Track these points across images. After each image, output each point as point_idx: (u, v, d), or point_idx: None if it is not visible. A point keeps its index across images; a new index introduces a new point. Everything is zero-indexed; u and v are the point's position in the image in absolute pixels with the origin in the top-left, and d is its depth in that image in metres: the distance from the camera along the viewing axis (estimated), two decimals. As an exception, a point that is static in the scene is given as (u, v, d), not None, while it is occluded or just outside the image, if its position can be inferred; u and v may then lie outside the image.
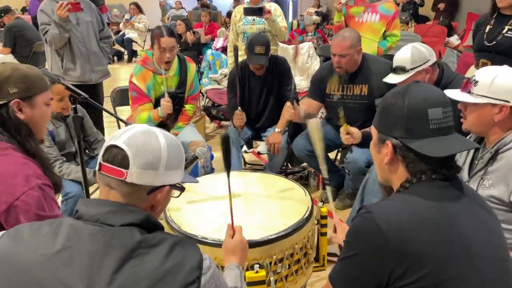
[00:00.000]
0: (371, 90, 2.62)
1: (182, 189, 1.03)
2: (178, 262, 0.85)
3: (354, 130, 2.44)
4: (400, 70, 2.10)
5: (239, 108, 2.88)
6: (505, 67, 1.50)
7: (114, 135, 0.95)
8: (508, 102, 1.44)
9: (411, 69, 2.08)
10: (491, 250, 0.96)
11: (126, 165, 0.90)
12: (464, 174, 1.61)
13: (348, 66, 2.59)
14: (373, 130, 1.12)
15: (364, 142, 2.44)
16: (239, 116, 2.87)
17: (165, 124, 2.64)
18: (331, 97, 2.78)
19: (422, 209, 0.94)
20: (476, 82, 1.48)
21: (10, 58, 5.68)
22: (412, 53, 2.08)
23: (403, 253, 0.90)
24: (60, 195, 2.33)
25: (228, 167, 1.36)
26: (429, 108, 0.99)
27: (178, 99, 2.82)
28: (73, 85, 2.00)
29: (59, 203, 2.42)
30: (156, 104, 2.74)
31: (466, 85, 1.52)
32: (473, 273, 0.92)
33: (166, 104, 2.58)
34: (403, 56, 2.11)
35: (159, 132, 0.96)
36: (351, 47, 2.52)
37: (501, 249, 1.00)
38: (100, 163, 0.93)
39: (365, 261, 0.95)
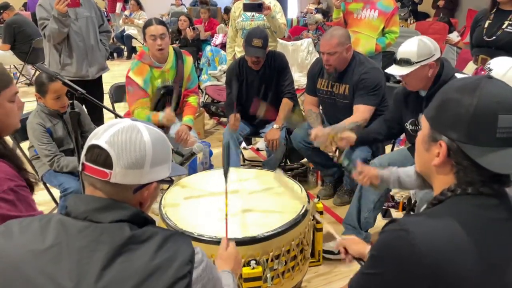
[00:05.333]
0: (350, 92, 2.63)
1: (170, 182, 1.01)
2: (168, 256, 0.84)
3: (349, 134, 2.38)
4: (405, 62, 2.04)
5: (235, 112, 2.88)
6: None
7: (96, 132, 0.91)
8: None
9: (416, 62, 2.01)
10: None
11: (109, 165, 0.87)
12: None
13: (337, 64, 2.58)
14: (424, 121, 0.97)
15: (361, 143, 2.44)
16: (234, 121, 2.86)
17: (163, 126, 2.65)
18: (321, 92, 2.79)
19: (463, 235, 0.85)
20: (491, 70, 1.47)
21: (9, 54, 5.68)
22: (418, 46, 2.02)
23: (437, 277, 0.84)
24: (59, 190, 2.34)
25: (226, 174, 1.31)
26: (500, 114, 0.85)
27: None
28: (70, 80, 2.00)
29: (58, 199, 2.44)
30: (153, 98, 2.75)
31: (479, 72, 1.51)
32: None
33: (170, 117, 2.64)
34: (409, 48, 2.04)
35: (143, 127, 0.92)
36: (339, 45, 2.51)
37: None
38: (83, 163, 0.90)
39: (393, 281, 0.89)
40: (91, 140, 0.90)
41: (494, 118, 0.85)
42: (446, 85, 0.96)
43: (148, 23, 2.66)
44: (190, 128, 2.76)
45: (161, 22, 2.68)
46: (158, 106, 2.80)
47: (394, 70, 2.10)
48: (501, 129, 0.85)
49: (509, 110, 0.86)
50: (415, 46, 2.03)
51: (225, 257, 1.29)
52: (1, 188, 1.19)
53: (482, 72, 1.50)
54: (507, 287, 0.87)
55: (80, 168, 0.92)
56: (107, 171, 0.87)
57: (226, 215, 1.35)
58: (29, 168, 1.46)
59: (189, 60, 2.87)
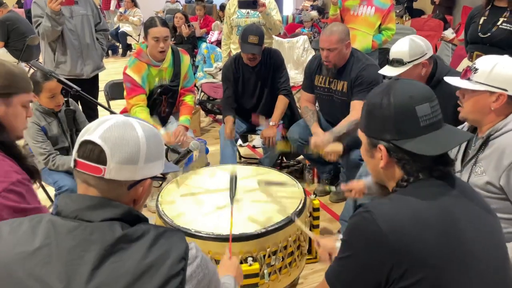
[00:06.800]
0: (348, 89, 2.63)
1: (163, 179, 1.00)
2: (161, 254, 0.83)
3: (336, 147, 2.42)
4: (397, 62, 2.05)
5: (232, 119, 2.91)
6: (506, 56, 1.49)
7: (89, 127, 0.89)
8: (506, 91, 1.43)
9: (409, 62, 2.03)
10: (490, 252, 0.95)
11: (103, 161, 0.85)
12: (457, 164, 1.61)
13: (336, 60, 2.58)
14: (361, 134, 1.07)
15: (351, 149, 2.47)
16: (229, 130, 2.88)
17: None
18: (319, 88, 2.79)
19: (423, 211, 0.92)
20: (476, 69, 1.47)
21: (3, 52, 5.64)
22: (410, 46, 2.03)
23: (403, 253, 0.88)
24: (54, 188, 2.33)
25: (232, 199, 1.43)
26: (416, 105, 0.96)
27: (171, 92, 2.81)
28: (66, 79, 1.98)
29: (53, 197, 2.43)
30: (150, 96, 2.74)
31: (466, 72, 1.51)
32: (472, 277, 0.91)
33: (167, 139, 2.56)
34: (400, 48, 2.06)
35: (137, 123, 0.91)
36: (339, 42, 2.51)
37: (500, 249, 0.99)
38: (75, 160, 0.88)
39: (363, 261, 0.93)
40: (84, 135, 0.88)
41: (413, 111, 0.97)
42: (367, 95, 1.08)
43: (151, 23, 2.60)
44: (187, 129, 2.75)
45: (164, 23, 2.64)
46: (155, 104, 2.78)
47: (387, 71, 2.11)
48: (422, 117, 0.97)
49: (422, 100, 0.98)
50: (407, 46, 2.04)
51: (228, 266, 1.29)
52: (10, 180, 1.20)
53: (468, 72, 1.50)
54: (472, 263, 0.92)
55: (72, 165, 0.89)
56: (101, 167, 0.85)
57: (231, 232, 1.37)
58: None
59: (186, 59, 2.86)
